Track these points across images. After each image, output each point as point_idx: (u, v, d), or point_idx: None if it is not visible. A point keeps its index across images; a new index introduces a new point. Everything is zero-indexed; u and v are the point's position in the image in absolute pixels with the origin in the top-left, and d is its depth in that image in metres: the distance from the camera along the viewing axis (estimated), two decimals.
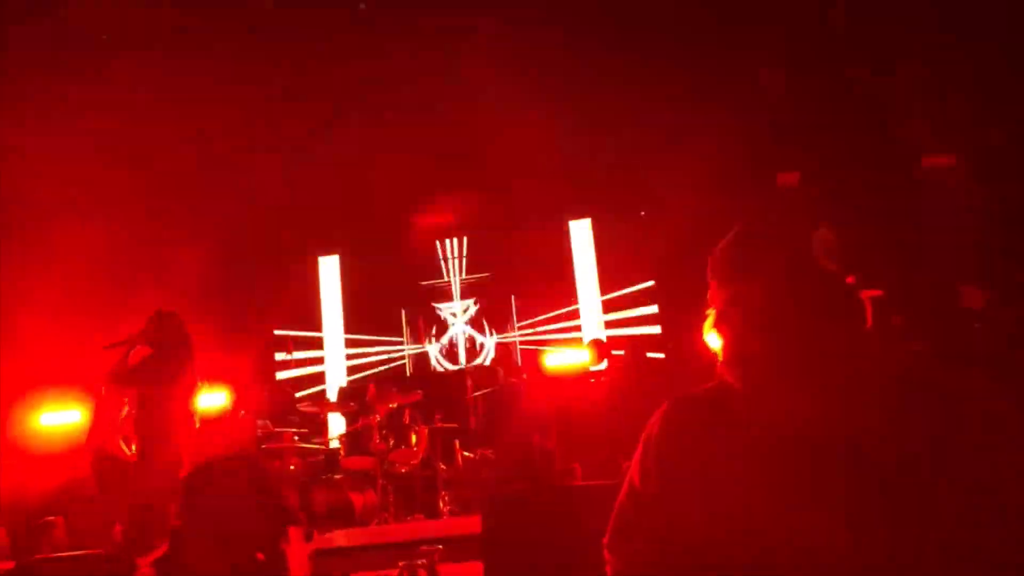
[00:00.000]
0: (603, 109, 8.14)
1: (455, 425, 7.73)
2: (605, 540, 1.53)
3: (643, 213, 9.78)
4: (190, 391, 4.98)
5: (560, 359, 8.83)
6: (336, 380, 9.86)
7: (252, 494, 1.27)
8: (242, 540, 1.20)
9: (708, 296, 1.52)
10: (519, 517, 2.46)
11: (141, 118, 7.33)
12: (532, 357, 9.61)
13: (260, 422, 7.93)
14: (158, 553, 2.89)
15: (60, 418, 7.79)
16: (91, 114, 7.11)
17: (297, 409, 7.96)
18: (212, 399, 7.57)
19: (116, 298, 7.91)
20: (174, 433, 4.87)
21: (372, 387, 7.45)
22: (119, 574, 3.05)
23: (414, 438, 7.38)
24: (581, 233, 10.13)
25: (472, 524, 4.06)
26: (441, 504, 6.85)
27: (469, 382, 8.04)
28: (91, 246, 7.63)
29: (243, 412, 7.99)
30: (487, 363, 9.88)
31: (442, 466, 7.24)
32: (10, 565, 3.47)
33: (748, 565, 1.31)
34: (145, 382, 4.88)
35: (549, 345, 9.76)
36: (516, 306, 10.17)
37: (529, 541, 2.38)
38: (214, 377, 7.18)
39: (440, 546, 2.59)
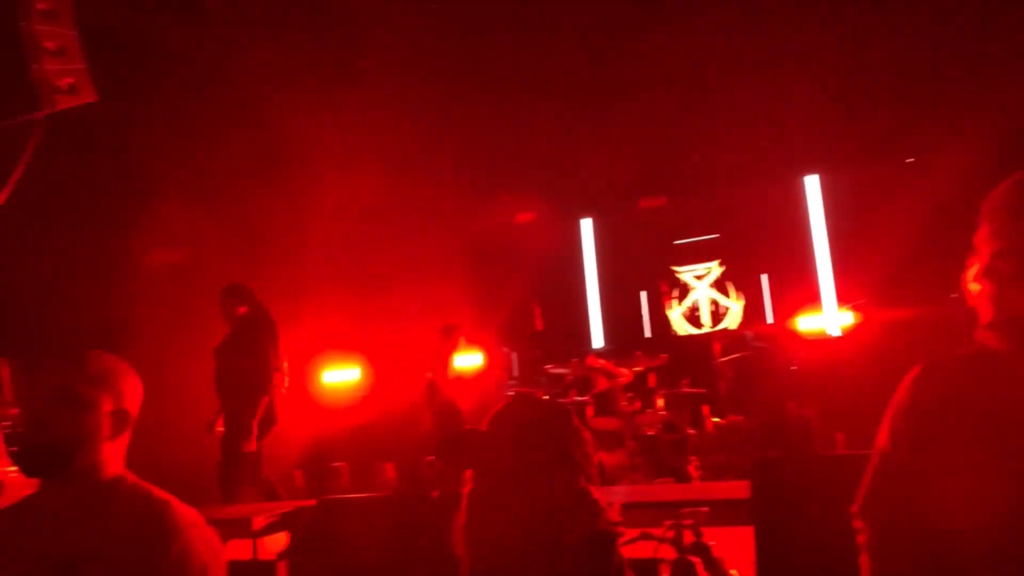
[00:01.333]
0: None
1: (703, 390, 7.57)
2: (854, 508, 1.44)
3: (910, 160, 8.83)
4: None
5: (814, 322, 8.31)
6: (585, 341, 10.03)
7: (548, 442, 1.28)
8: (539, 488, 1.22)
9: (975, 245, 1.33)
10: (788, 484, 2.38)
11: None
12: (782, 320, 9.14)
13: (510, 382, 8.34)
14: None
15: (341, 375, 8.70)
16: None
17: (545, 371, 8.24)
18: (468, 360, 8.06)
19: (384, 268, 8.66)
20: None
21: (590, 358, 7.48)
22: (403, 513, 3.36)
23: (660, 401, 7.34)
24: (826, 188, 9.37)
25: (730, 489, 3.97)
26: (691, 468, 6.77)
27: (716, 346, 7.83)
28: (367, 215, 8.39)
29: (497, 373, 8.45)
30: (733, 327, 9.56)
31: (691, 431, 7.14)
32: (311, 502, 3.94)
33: (1002, 539, 1.19)
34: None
35: (799, 307, 9.21)
36: (761, 268, 9.69)
37: (798, 509, 2.29)
38: (470, 339, 7.61)
39: (705, 508, 2.54)
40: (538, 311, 9.04)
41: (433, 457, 6.03)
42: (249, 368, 5.81)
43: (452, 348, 7.17)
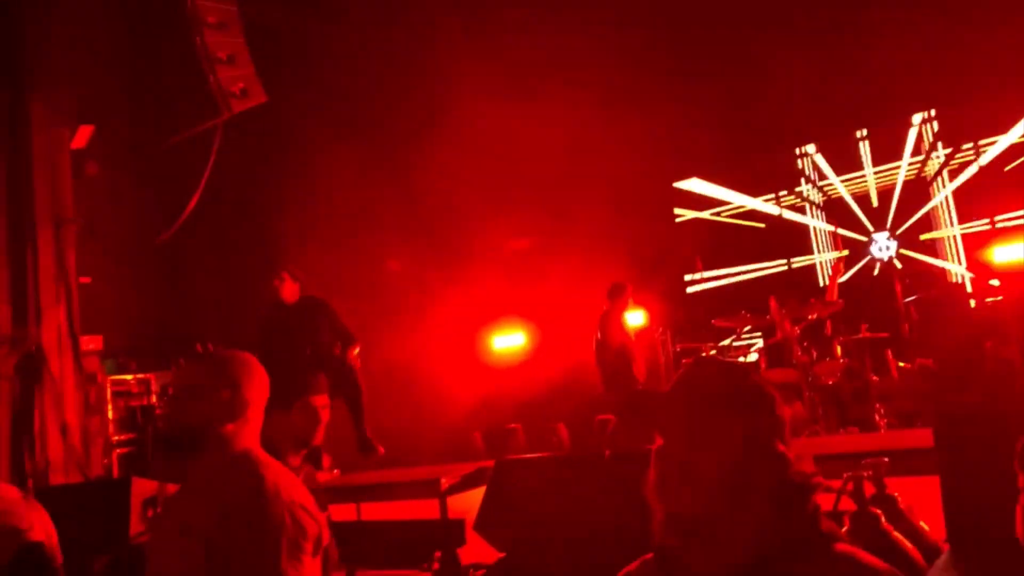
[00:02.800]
0: None
1: (885, 334, 7.13)
2: (1017, 451, 1.33)
3: None
4: None
5: (1013, 252, 7.56)
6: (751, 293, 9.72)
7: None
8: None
9: None
10: (975, 432, 2.20)
11: None
12: (974, 253, 8.40)
13: (675, 339, 8.23)
14: None
15: (509, 340, 8.94)
16: None
17: (711, 324, 8.06)
18: (632, 318, 8.05)
19: (546, 232, 8.75)
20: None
21: (772, 300, 7.18)
22: (577, 471, 3.46)
23: (839, 349, 6.99)
24: None
25: (913, 437, 3.75)
26: (876, 417, 6.43)
27: (898, 287, 7.32)
28: (531, 180, 8.52)
29: (661, 330, 8.38)
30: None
31: (874, 377, 6.76)
32: (490, 463, 4.13)
33: None
34: None
35: (996, 238, 8.40)
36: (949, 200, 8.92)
37: (988, 458, 2.12)
38: (636, 298, 7.59)
39: (886, 458, 2.43)
40: (700, 265, 8.85)
41: (603, 416, 6.09)
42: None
43: (622, 308, 7.31)
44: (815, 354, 6.96)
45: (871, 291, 8.41)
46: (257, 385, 2.05)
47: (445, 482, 4.22)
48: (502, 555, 3.33)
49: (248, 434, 2.02)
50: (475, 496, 3.87)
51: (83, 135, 7.08)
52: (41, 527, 2.65)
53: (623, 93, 8.27)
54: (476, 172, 8.44)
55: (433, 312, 8.63)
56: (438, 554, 3.77)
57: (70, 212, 6.60)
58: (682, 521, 1.22)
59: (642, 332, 7.85)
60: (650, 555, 1.32)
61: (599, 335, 7.05)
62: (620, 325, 7.07)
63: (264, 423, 2.08)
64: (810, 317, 7.14)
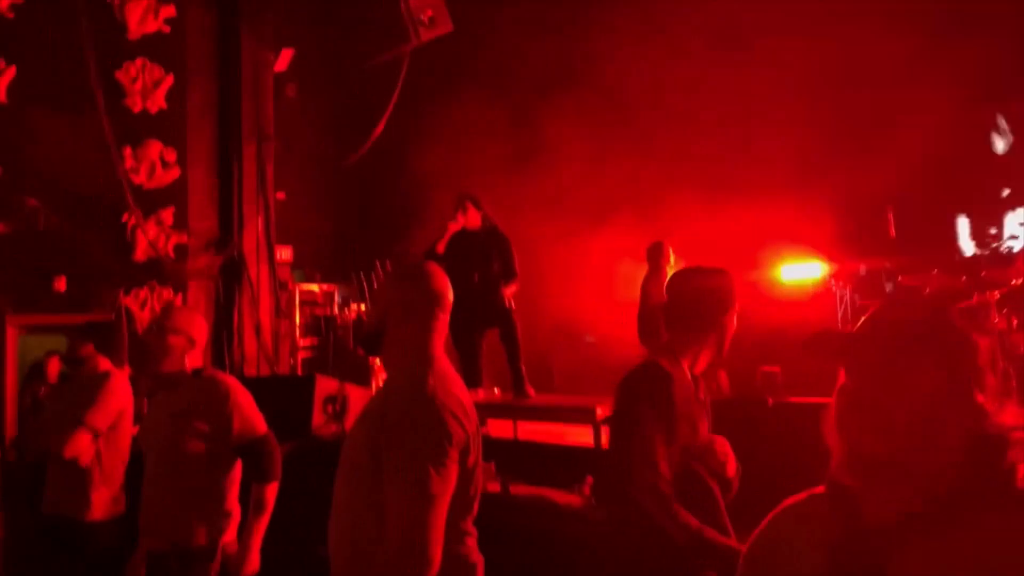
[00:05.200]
0: None
1: None
2: None
3: None
4: None
5: None
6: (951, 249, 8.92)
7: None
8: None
9: None
10: None
11: None
12: None
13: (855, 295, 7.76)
14: None
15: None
16: None
17: (897, 282, 7.52)
18: (806, 271, 7.66)
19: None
20: None
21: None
22: (738, 416, 3.39)
23: None
24: None
25: None
26: None
27: None
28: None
29: (834, 284, 7.91)
30: None
31: None
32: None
33: None
34: None
35: None
36: None
37: None
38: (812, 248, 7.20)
39: None
40: (891, 217, 8.23)
41: (767, 368, 5.87)
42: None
43: (661, 268, 6.72)
44: (1015, 322, 6.34)
45: None
46: (428, 291, 2.14)
47: (601, 412, 4.28)
48: None
49: (417, 337, 2.12)
50: None
51: (284, 58, 7.57)
52: None
53: None
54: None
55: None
56: (590, 479, 3.86)
57: (271, 130, 7.13)
58: (863, 461, 1.18)
59: (820, 284, 7.47)
60: (820, 488, 1.29)
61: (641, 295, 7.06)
62: (660, 286, 6.97)
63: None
64: (1014, 281, 6.50)
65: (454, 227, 5.88)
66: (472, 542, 2.07)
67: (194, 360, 3.14)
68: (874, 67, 8.06)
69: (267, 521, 2.99)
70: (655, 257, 7.10)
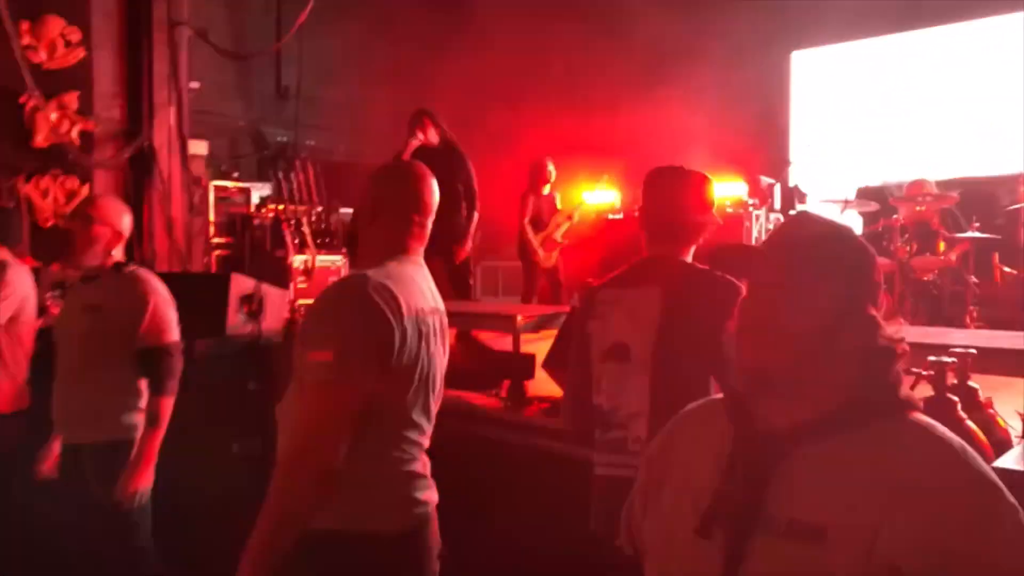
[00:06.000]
0: None
1: (997, 237, 6.75)
2: None
3: None
4: None
5: None
6: (856, 179, 9.25)
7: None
8: None
9: None
10: None
11: None
12: None
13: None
14: None
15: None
16: None
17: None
18: (731, 189, 7.81)
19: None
20: None
21: None
22: None
23: (942, 245, 6.67)
24: None
25: (1008, 339, 3.63)
26: (968, 320, 6.22)
27: (1021, 188, 6.85)
28: None
29: (752, 203, 8.12)
30: None
31: (974, 279, 6.48)
32: (565, 308, 4.20)
33: None
34: None
35: None
36: None
37: None
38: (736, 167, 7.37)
39: (973, 350, 2.37)
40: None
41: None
42: None
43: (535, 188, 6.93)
44: (915, 247, 6.68)
45: (989, 189, 7.89)
46: (404, 191, 2.04)
47: (521, 319, 4.34)
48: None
49: (388, 239, 2.02)
50: (547, 337, 3.98)
51: None
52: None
53: None
54: None
55: None
56: (507, 383, 3.95)
57: (185, 15, 6.68)
58: (759, 372, 1.23)
59: (740, 204, 7.63)
60: (719, 396, 1.35)
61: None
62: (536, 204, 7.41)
63: None
64: (917, 208, 6.80)
65: (413, 144, 5.72)
66: (416, 452, 1.95)
67: (117, 253, 3.04)
68: None
69: (161, 435, 2.94)
70: (534, 174, 7.31)
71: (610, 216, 7.47)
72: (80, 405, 2.96)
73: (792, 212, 7.00)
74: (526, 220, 7.31)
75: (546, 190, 7.45)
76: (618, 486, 1.92)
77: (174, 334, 2.99)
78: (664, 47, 8.47)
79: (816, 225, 1.33)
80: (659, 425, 1.40)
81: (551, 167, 7.37)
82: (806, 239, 1.26)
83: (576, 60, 9.09)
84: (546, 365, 3.09)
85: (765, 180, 7.69)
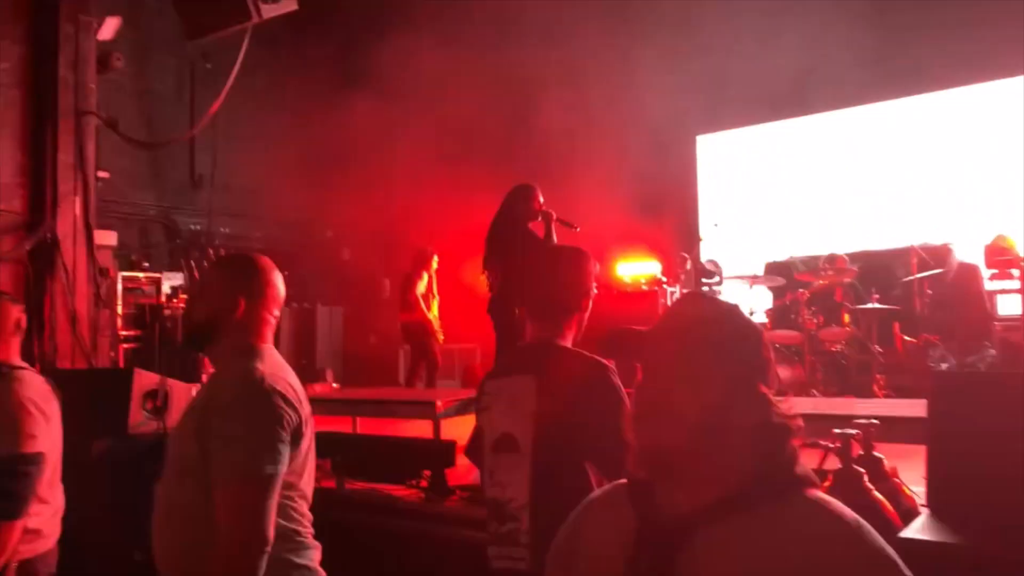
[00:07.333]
0: None
1: (896, 308, 7.10)
2: None
3: None
4: None
5: None
6: (763, 255, 9.65)
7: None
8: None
9: None
10: (974, 404, 2.19)
11: None
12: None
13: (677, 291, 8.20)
14: None
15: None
16: None
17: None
18: (639, 268, 8.02)
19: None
20: None
21: None
22: None
23: (846, 317, 6.98)
24: None
25: (910, 407, 3.76)
26: (875, 388, 6.46)
27: (914, 260, 7.26)
28: None
29: (665, 281, 8.34)
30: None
31: (877, 348, 6.76)
32: None
33: None
34: None
35: None
36: None
37: (982, 431, 2.11)
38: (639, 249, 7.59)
39: (876, 421, 2.44)
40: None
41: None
42: None
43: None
44: (822, 319, 6.96)
45: (886, 263, 8.33)
46: (258, 282, 2.10)
47: (440, 405, 4.28)
48: None
49: (255, 328, 2.08)
50: (467, 421, 3.93)
51: (110, 27, 7.00)
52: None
53: None
54: None
55: None
56: (427, 473, 3.85)
57: (93, 104, 6.57)
58: (657, 456, 1.22)
59: (651, 282, 7.82)
60: (622, 482, 1.34)
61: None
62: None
63: None
64: (820, 282, 7.11)
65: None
66: (308, 528, 2.05)
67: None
68: None
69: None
70: (418, 262, 7.78)
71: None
72: None
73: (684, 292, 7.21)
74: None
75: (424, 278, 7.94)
76: None
77: (29, 446, 2.71)
78: (575, 130, 8.79)
79: (704, 306, 1.35)
80: (539, 516, 1.36)
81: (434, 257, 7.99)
82: (695, 320, 1.28)
83: (490, 145, 9.30)
84: (468, 453, 3.03)
85: (684, 255, 7.95)
